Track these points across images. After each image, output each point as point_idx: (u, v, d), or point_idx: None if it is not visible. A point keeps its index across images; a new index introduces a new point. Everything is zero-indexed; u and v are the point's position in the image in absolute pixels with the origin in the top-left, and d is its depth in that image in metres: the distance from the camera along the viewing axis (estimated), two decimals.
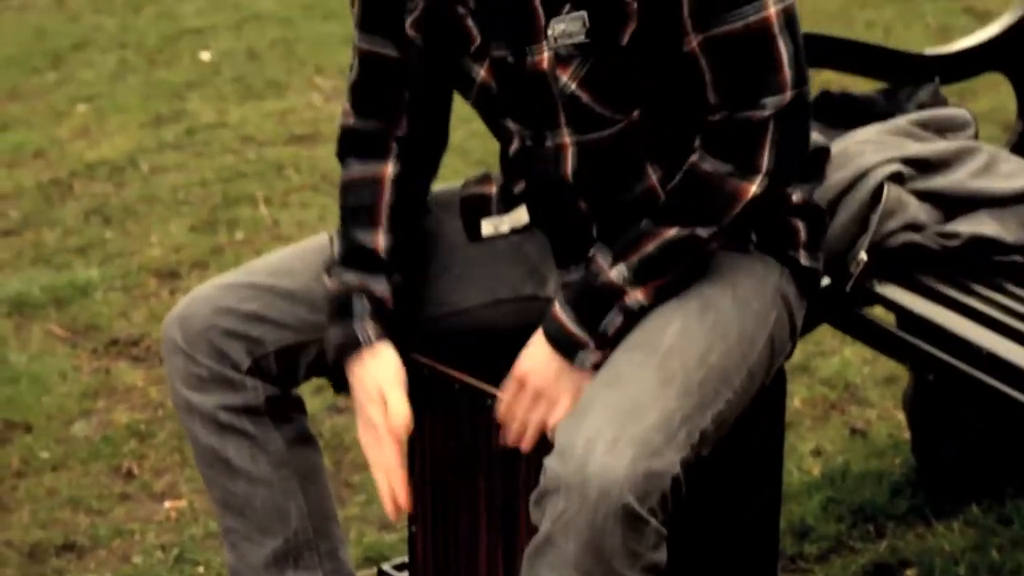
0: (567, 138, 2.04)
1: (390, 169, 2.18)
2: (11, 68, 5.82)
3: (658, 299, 1.97)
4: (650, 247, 1.96)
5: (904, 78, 2.67)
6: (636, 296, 1.96)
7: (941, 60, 2.67)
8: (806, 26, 2.00)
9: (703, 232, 1.95)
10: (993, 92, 4.53)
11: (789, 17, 1.94)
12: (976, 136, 2.58)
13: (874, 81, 2.73)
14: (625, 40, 1.95)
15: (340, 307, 2.10)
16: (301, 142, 4.85)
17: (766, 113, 1.93)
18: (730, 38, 1.92)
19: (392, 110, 2.18)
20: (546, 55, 1.98)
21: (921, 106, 2.59)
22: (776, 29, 1.92)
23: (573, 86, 1.99)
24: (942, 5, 5.71)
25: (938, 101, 2.60)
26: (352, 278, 2.11)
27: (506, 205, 2.20)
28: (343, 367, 2.10)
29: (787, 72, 1.93)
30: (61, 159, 4.86)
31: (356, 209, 2.16)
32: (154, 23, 6.31)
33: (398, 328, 2.11)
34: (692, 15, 1.92)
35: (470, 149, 4.56)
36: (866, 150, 2.44)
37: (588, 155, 2.05)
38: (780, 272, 2.07)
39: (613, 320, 1.96)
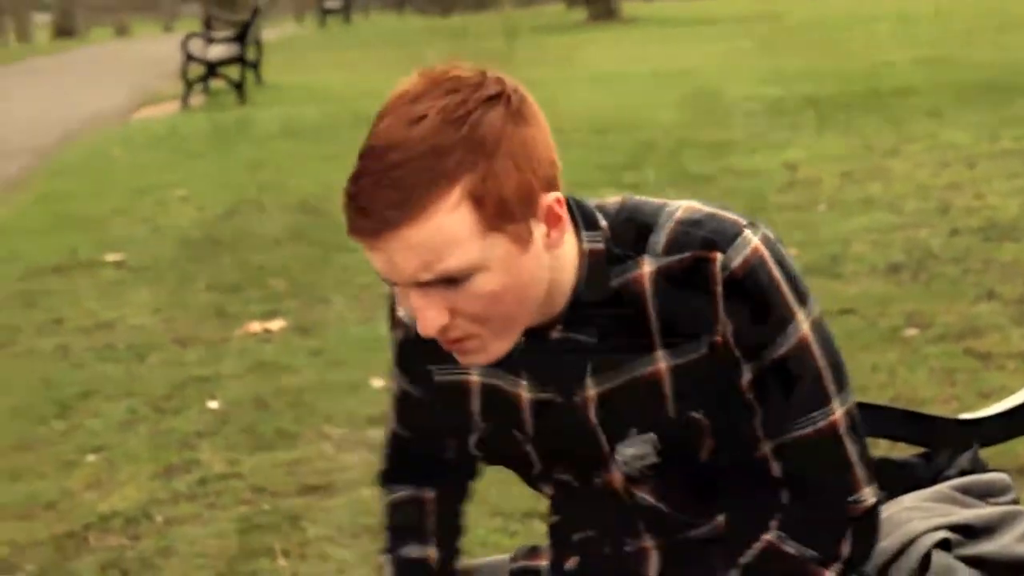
0: (648, 542, 2.08)
1: (431, 492, 2.26)
2: (17, 418, 5.86)
3: None
4: None
5: (940, 442, 2.73)
6: None
7: (975, 424, 2.73)
8: None
9: None
10: None
11: (852, 419, 2.05)
12: (1016, 501, 2.63)
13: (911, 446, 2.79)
14: (704, 456, 2.02)
15: None
16: (315, 493, 4.84)
17: (845, 508, 2.05)
18: (802, 442, 2.01)
19: (427, 475, 2.26)
20: (617, 476, 2.03)
21: (962, 472, 2.65)
22: (843, 431, 2.03)
23: (651, 499, 2.04)
24: (943, 348, 5.76)
25: (977, 466, 2.66)
26: None
27: None
28: None
29: (858, 471, 2.05)
30: (73, 510, 4.85)
31: (403, 528, 2.24)
32: (160, 371, 6.38)
33: None
34: (764, 425, 2.01)
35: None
36: (913, 516, 2.48)
37: (675, 556, 2.08)
38: None
39: None
